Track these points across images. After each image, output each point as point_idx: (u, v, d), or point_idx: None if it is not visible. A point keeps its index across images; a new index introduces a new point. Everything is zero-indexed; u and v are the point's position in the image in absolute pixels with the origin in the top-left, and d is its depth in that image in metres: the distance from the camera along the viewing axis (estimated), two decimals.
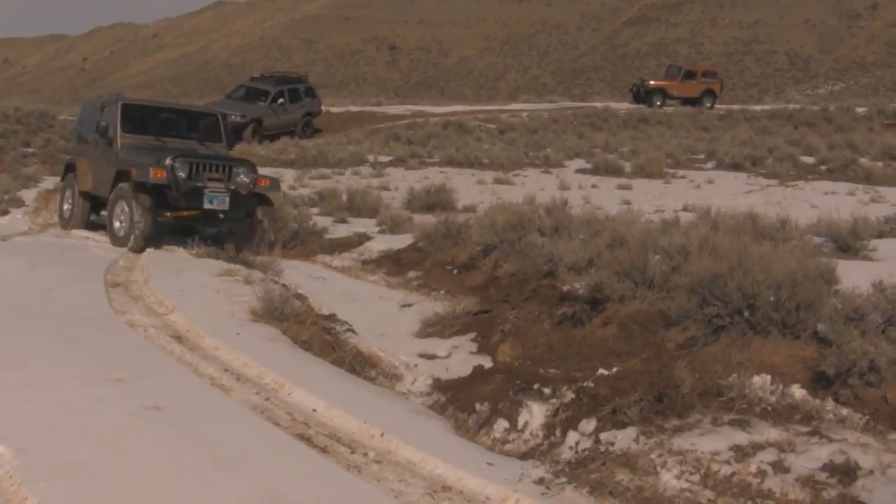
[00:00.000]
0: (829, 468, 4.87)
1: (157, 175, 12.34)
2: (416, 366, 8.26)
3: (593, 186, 20.18)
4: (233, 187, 13.01)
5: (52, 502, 4.12)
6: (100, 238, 13.42)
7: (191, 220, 13.33)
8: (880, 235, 11.09)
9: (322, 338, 7.99)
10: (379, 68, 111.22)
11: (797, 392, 5.86)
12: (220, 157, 13.55)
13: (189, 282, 9.54)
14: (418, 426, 5.97)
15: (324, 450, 5.39)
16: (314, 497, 4.61)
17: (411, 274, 11.61)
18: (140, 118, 14.36)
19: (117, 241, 12.83)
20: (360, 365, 7.91)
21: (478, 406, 6.83)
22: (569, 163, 25.42)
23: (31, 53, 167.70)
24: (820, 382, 5.93)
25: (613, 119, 38.70)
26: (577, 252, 9.37)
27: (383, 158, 27.06)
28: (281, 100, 33.10)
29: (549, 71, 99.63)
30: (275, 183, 14.01)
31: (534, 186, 19.17)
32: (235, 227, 13.68)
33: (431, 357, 8.46)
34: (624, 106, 46.04)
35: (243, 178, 13.12)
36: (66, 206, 15.24)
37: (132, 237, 12.43)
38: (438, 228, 12.02)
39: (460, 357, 8.58)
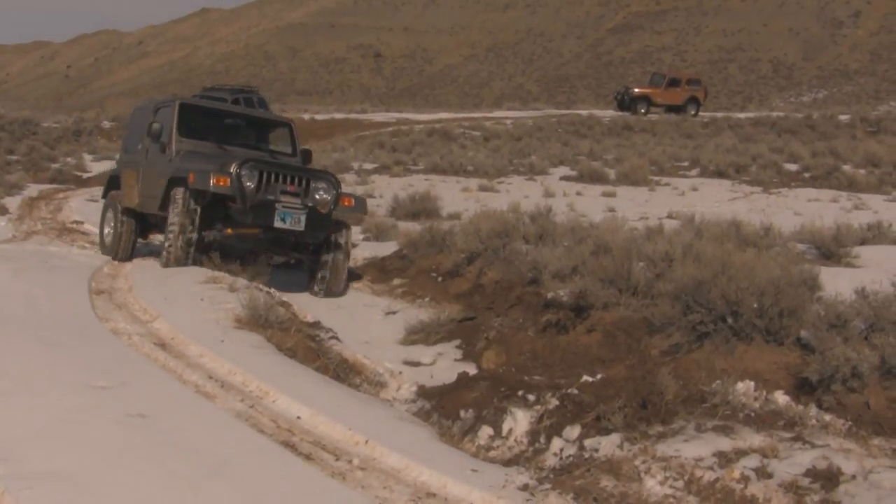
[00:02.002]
0: (812, 474, 4.89)
1: (219, 182, 10.43)
2: (400, 373, 8.26)
3: (578, 194, 20.21)
4: (311, 204, 10.96)
5: None
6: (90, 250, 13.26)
7: (256, 242, 11.31)
8: (863, 242, 11.14)
9: (306, 345, 7.99)
10: (364, 76, 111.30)
11: (780, 398, 5.89)
12: (297, 168, 11.55)
13: (173, 289, 9.52)
14: (403, 433, 5.97)
15: (308, 457, 5.38)
16: None
17: (396, 281, 11.63)
18: (200, 122, 12.54)
19: (166, 253, 10.96)
20: (344, 372, 7.91)
21: (462, 413, 6.84)
22: (553, 170, 25.48)
23: (14, 60, 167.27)
24: (803, 388, 5.96)
25: (598, 126, 38.80)
26: (561, 259, 9.39)
27: (368, 166, 27.08)
28: None
29: (534, 78, 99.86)
30: (360, 203, 11.89)
31: (518, 194, 19.21)
32: (307, 255, 11.74)
33: (416, 364, 8.47)
34: (608, 113, 46.26)
35: (324, 195, 11.06)
36: (107, 230, 13.41)
37: (172, 249, 10.77)
38: (423, 236, 12.04)
39: (445, 364, 8.58)
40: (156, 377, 6.55)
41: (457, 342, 9.17)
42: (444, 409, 7.13)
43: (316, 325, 8.97)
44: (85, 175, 25.58)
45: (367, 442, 5.64)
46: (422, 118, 43.93)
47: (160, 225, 12.20)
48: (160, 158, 11.88)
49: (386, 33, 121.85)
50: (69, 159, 27.94)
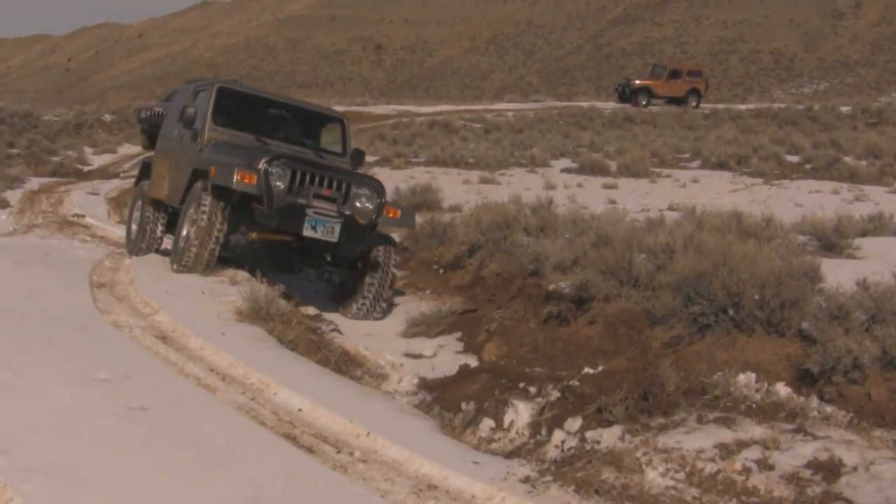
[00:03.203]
0: (814, 465, 4.89)
1: (243, 179, 9.23)
2: (401, 365, 8.28)
3: (579, 186, 20.20)
4: (348, 213, 9.70)
5: (38, 503, 4.10)
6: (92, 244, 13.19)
7: (285, 251, 10.26)
8: (864, 234, 11.12)
9: (308, 337, 7.99)
10: (364, 68, 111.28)
11: (782, 390, 5.88)
12: (336, 170, 10.13)
13: (174, 282, 9.51)
14: (404, 425, 5.97)
15: (310, 449, 5.38)
16: (300, 496, 4.61)
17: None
18: (239, 110, 11.25)
19: (176, 252, 10.06)
20: (345, 364, 7.92)
21: (464, 405, 6.84)
22: (554, 162, 25.46)
23: (15, 54, 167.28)
24: (804, 380, 5.96)
25: (599, 118, 38.78)
26: (562, 251, 9.38)
27: (369, 158, 27.02)
28: None
29: (535, 70, 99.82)
30: (408, 215, 10.42)
31: (519, 186, 19.19)
32: (341, 271, 10.67)
33: (417, 356, 8.48)
34: (609, 105, 46.22)
35: (365, 203, 9.80)
36: (134, 222, 12.56)
37: (187, 253, 9.69)
38: (424, 228, 12.04)
39: (446, 356, 8.60)
40: (157, 370, 6.56)
41: (458, 334, 9.18)
42: (445, 401, 7.13)
43: (317, 317, 8.97)
44: (86, 168, 25.60)
45: (368, 434, 5.64)
46: (423, 110, 43.91)
47: None
48: (191, 147, 10.83)
49: (387, 25, 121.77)
50: (70, 152, 27.92)
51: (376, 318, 10.10)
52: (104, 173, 24.65)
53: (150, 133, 28.17)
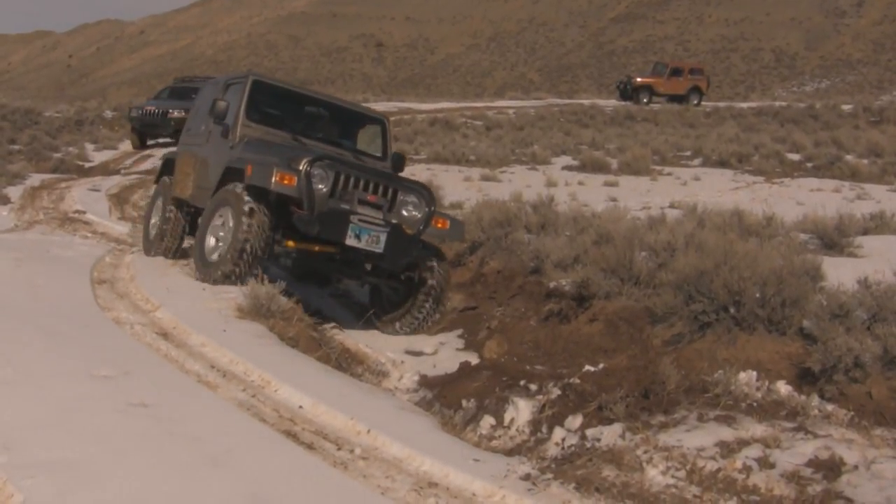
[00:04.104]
0: (815, 464, 4.89)
1: (283, 180, 8.45)
2: (402, 362, 8.29)
3: (580, 183, 20.17)
4: (395, 221, 9.01)
5: (39, 499, 4.10)
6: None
7: (322, 261, 9.37)
8: (865, 232, 11.12)
9: (308, 335, 7.99)
10: (366, 65, 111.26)
11: (782, 388, 5.89)
12: (383, 175, 9.49)
13: (175, 279, 9.51)
14: (405, 423, 5.97)
15: (310, 446, 5.38)
16: (300, 493, 4.61)
17: None
18: (275, 106, 10.59)
19: (206, 267, 9.14)
20: (346, 362, 7.93)
21: (464, 402, 6.85)
22: (555, 160, 25.41)
23: (16, 50, 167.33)
24: (805, 379, 5.96)
25: (600, 116, 38.74)
26: (563, 249, 9.40)
27: None
28: None
29: (536, 68, 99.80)
30: (457, 227, 9.55)
31: (520, 183, 19.16)
32: (385, 284, 9.78)
33: (418, 354, 8.49)
34: (611, 103, 46.22)
35: (412, 212, 9.20)
36: (153, 220, 11.93)
37: (228, 263, 8.77)
38: None
39: (447, 354, 8.61)
40: (158, 367, 6.55)
41: (459, 332, 9.20)
42: (445, 398, 7.14)
43: (318, 314, 8.97)
44: (87, 165, 25.58)
45: (368, 431, 5.64)
46: (424, 108, 43.86)
47: None
48: (222, 144, 10.17)
49: (388, 22, 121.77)
50: (71, 149, 27.89)
51: (421, 332, 9.47)
52: (105, 170, 24.62)
53: (142, 132, 28.05)
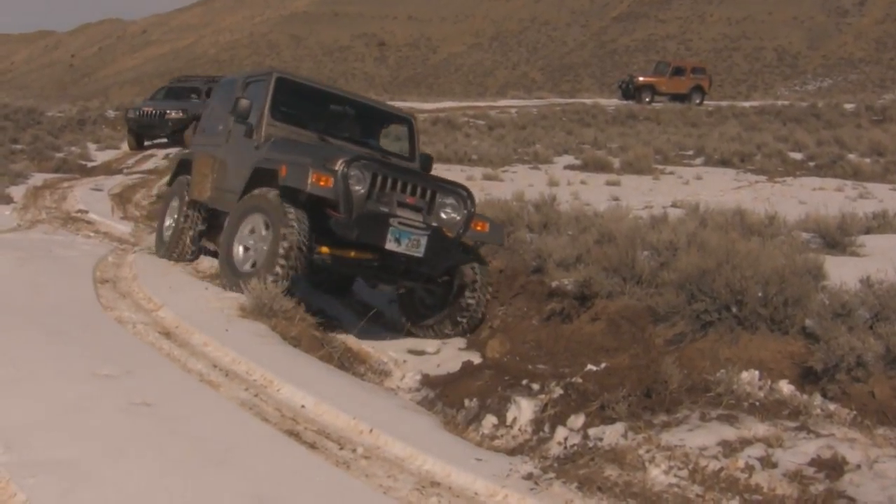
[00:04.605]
0: (817, 463, 4.89)
1: (319, 182, 8.09)
2: (404, 362, 8.29)
3: (582, 182, 20.16)
4: (436, 224, 8.69)
5: (41, 498, 4.10)
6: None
7: (355, 267, 9.02)
8: (868, 231, 11.12)
9: (311, 334, 7.98)
10: (368, 64, 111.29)
11: (785, 387, 5.89)
12: (421, 175, 9.24)
13: (178, 278, 9.52)
14: (407, 422, 5.97)
15: (312, 446, 5.38)
16: (302, 493, 4.61)
17: None
18: (300, 104, 10.21)
19: (237, 277, 8.73)
20: (348, 361, 7.92)
21: (466, 402, 6.85)
22: (557, 159, 25.41)
23: (19, 50, 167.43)
24: (808, 378, 5.96)
25: (602, 115, 38.72)
26: (565, 248, 9.40)
27: None
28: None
29: (538, 67, 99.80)
30: (497, 230, 9.29)
31: (522, 182, 19.15)
32: (424, 290, 9.49)
33: (420, 353, 8.50)
34: (613, 102, 46.19)
35: (451, 214, 8.89)
36: (167, 222, 11.51)
37: (266, 275, 8.24)
38: None
39: (449, 353, 8.61)
40: (160, 366, 6.56)
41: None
42: (448, 397, 7.15)
43: (320, 313, 8.97)
44: (89, 164, 25.57)
45: (371, 431, 5.64)
46: (426, 107, 43.82)
47: None
48: (245, 144, 9.77)
49: (390, 22, 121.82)
50: (73, 149, 27.88)
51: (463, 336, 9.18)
52: (108, 169, 24.62)
53: (139, 133, 27.79)
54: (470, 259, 9.11)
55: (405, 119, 10.96)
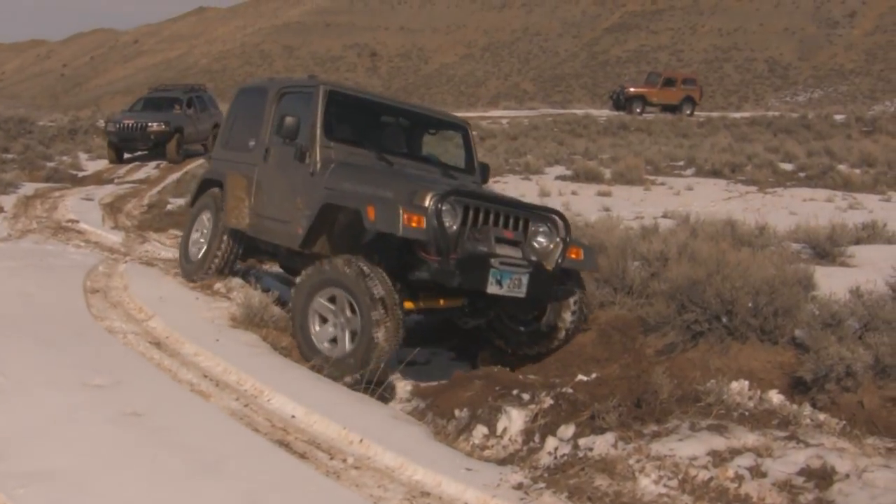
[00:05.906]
0: (806, 473, 4.90)
1: (412, 222, 6.76)
2: (395, 371, 8.27)
3: (573, 193, 20.18)
4: (534, 258, 7.52)
5: None
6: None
7: (443, 313, 8.11)
8: (858, 242, 11.16)
9: None
10: (360, 75, 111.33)
11: (775, 397, 5.91)
12: (513, 203, 7.90)
13: (169, 288, 9.50)
14: (397, 432, 5.97)
15: (303, 455, 5.38)
16: (293, 502, 4.61)
17: None
18: (352, 119, 8.92)
19: (312, 353, 7.51)
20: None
21: (457, 412, 6.85)
22: (549, 169, 25.43)
23: (10, 59, 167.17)
24: (797, 388, 5.98)
25: (593, 126, 38.75)
26: None
27: None
28: (191, 109, 27.43)
29: (530, 78, 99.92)
30: (591, 256, 7.97)
31: (514, 193, 19.11)
32: (516, 325, 8.41)
33: (411, 363, 8.48)
34: (604, 113, 46.24)
35: (545, 243, 7.72)
36: (194, 236, 10.27)
37: (361, 364, 7.07)
38: None
39: (440, 363, 8.60)
40: (151, 376, 6.55)
41: (452, 341, 9.19)
42: (438, 407, 7.14)
43: None
44: (80, 174, 25.50)
45: (361, 441, 5.64)
46: None
47: (280, 254, 9.29)
48: (296, 169, 8.38)
49: (382, 32, 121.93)
50: (65, 158, 27.81)
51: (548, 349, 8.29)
52: (99, 179, 24.56)
53: (118, 146, 27.18)
54: (571, 288, 8.02)
55: (459, 126, 9.77)
